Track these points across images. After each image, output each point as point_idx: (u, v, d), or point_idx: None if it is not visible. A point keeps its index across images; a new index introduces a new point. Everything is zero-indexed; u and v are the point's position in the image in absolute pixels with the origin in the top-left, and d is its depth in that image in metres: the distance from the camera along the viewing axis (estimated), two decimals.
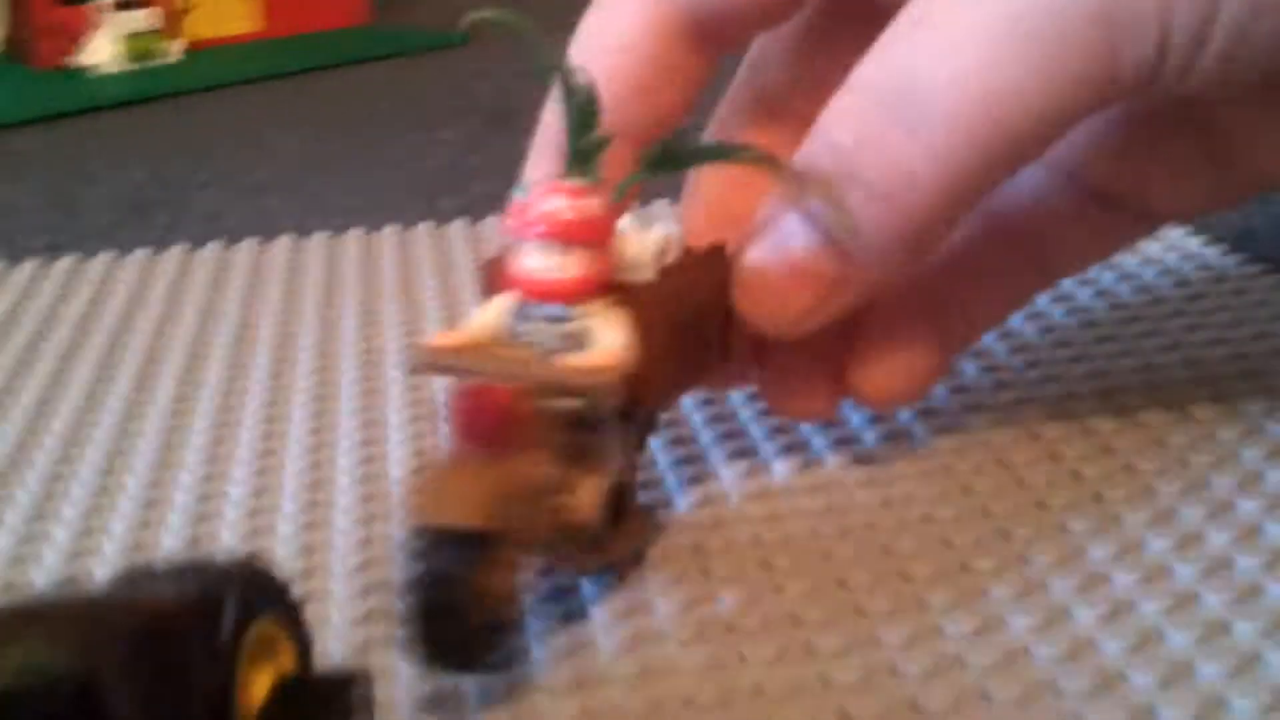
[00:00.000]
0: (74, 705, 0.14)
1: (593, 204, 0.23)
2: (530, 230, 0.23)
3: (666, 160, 0.24)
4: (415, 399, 0.33)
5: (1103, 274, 0.38)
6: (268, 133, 0.62)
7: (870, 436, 0.30)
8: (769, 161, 0.24)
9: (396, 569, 0.22)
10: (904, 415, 0.31)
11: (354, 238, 0.46)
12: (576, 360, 0.23)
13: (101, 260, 0.45)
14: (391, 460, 0.30)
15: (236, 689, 0.18)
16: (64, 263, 0.45)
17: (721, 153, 0.27)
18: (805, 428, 0.30)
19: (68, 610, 0.16)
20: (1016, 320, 0.35)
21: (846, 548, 0.26)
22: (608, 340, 0.23)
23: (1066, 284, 0.37)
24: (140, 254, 0.45)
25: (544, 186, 0.23)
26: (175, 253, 0.45)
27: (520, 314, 0.23)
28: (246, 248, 0.46)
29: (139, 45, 0.74)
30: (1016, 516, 0.26)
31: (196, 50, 0.77)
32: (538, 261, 0.23)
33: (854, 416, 0.31)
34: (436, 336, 0.23)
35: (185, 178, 0.56)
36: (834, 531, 0.26)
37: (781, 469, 0.29)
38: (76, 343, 0.38)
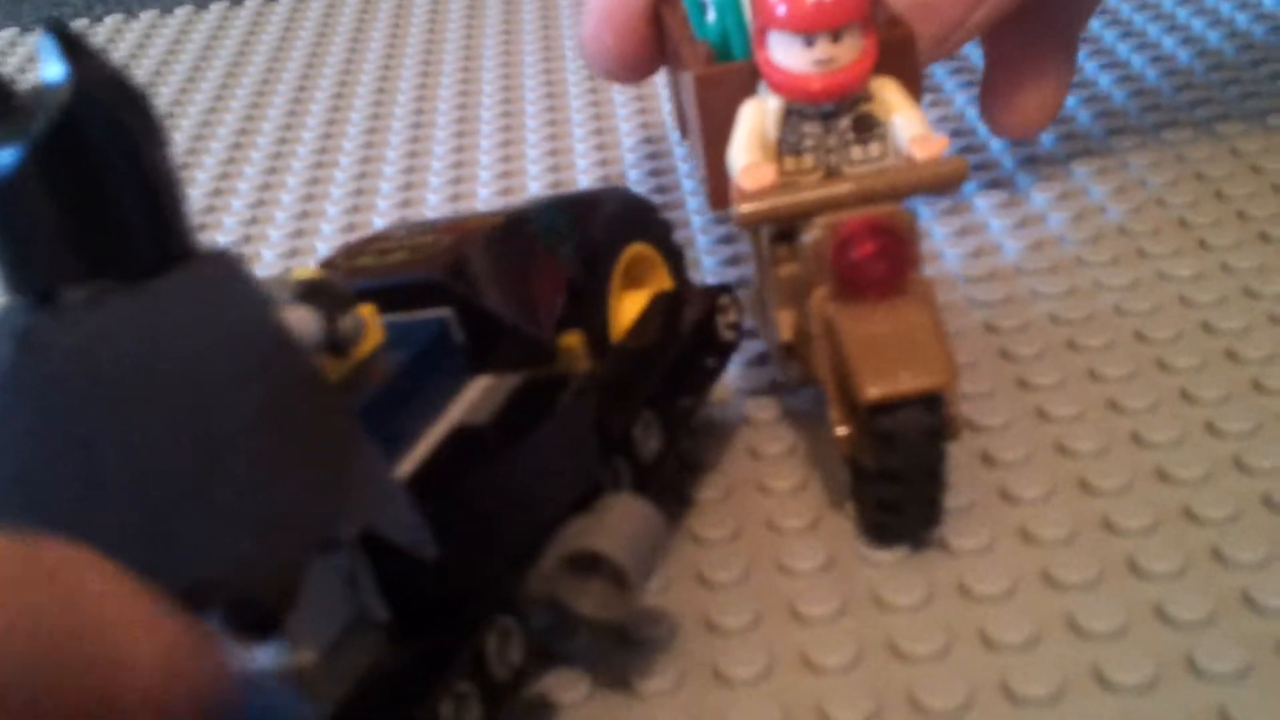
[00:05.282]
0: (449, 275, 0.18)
1: None
2: (801, 22, 0.19)
3: None
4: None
5: None
6: None
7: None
8: None
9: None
10: None
11: None
12: (910, 155, 0.19)
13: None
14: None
15: (609, 295, 0.20)
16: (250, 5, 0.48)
17: None
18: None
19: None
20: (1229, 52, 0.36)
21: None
22: (904, 118, 0.20)
23: (1244, 25, 0.37)
24: None
25: None
26: None
27: (792, 120, 0.20)
28: None
29: None
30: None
31: None
32: (813, 57, 0.19)
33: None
34: (744, 175, 0.19)
35: None
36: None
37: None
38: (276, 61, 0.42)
